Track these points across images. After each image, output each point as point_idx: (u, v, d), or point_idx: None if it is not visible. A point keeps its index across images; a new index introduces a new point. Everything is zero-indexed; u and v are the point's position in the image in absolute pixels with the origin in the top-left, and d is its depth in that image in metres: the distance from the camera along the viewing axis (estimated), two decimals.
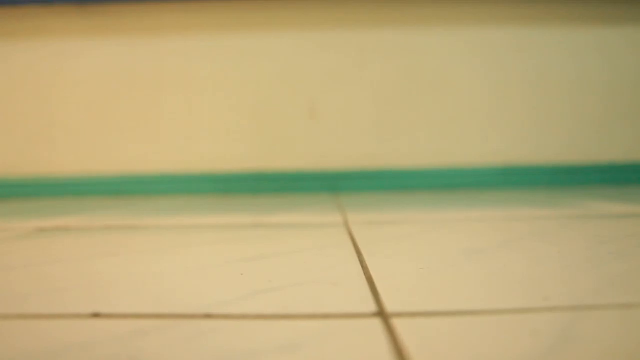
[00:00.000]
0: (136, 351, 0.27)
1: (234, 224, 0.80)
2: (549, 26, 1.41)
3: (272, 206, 1.05)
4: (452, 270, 0.45)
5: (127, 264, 0.51)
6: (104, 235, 0.71)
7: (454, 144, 1.43)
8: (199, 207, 1.08)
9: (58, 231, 0.75)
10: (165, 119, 1.43)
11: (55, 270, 0.48)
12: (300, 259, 0.51)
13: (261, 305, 0.35)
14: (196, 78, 1.43)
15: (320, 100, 1.43)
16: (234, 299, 0.37)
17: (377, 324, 0.31)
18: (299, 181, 1.42)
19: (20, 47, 1.42)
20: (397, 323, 0.31)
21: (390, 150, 1.43)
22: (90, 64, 1.42)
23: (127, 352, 0.27)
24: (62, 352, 0.27)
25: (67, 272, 0.48)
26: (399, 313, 0.33)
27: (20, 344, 0.29)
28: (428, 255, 0.52)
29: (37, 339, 0.30)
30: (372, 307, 0.35)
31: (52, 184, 1.42)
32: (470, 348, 0.27)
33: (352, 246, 0.57)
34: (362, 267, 0.47)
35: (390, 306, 0.34)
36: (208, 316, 0.33)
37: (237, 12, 1.41)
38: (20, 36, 1.41)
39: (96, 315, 0.34)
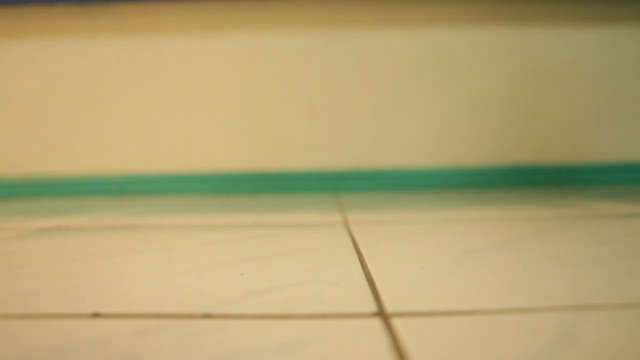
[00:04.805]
0: (136, 351, 0.27)
1: (234, 224, 0.80)
2: (549, 26, 1.41)
3: (272, 206, 1.05)
4: (452, 270, 0.45)
5: (127, 264, 0.51)
6: (104, 235, 0.71)
7: (454, 144, 1.43)
8: (199, 207, 1.08)
9: (58, 231, 0.75)
10: (165, 118, 1.43)
11: (55, 270, 0.48)
12: (300, 259, 0.51)
13: (261, 305, 0.35)
14: (196, 78, 1.43)
15: (320, 100, 1.43)
16: (234, 299, 0.37)
17: (377, 323, 0.31)
18: (299, 181, 1.42)
19: (20, 47, 1.42)
20: (397, 323, 0.31)
21: (390, 150, 1.43)
22: (90, 64, 1.42)
23: (127, 352, 0.27)
24: (62, 352, 0.27)
25: (68, 271, 0.48)
26: (399, 313, 0.33)
27: (20, 344, 0.29)
28: (428, 255, 0.52)
29: (37, 339, 0.30)
30: (372, 307, 0.35)
31: (52, 184, 1.42)
32: (471, 348, 0.27)
33: (352, 246, 0.57)
34: (362, 267, 0.47)
35: (390, 306, 0.34)
36: (208, 316, 0.33)
37: (237, 12, 1.41)
38: (20, 36, 1.41)
39: (96, 315, 0.34)
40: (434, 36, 1.41)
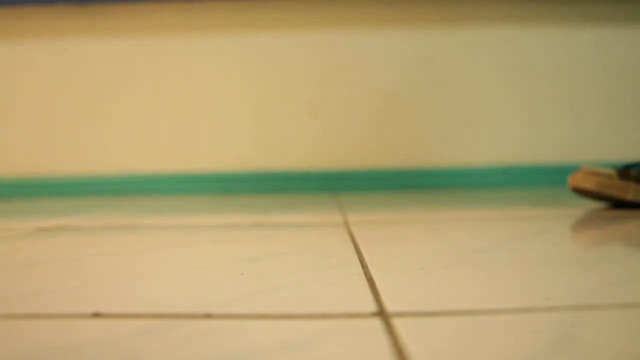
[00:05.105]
0: (136, 351, 0.27)
1: (234, 224, 0.80)
2: (550, 26, 1.41)
3: (272, 206, 1.05)
4: (452, 270, 0.45)
5: (127, 264, 0.51)
6: (104, 235, 0.71)
7: (454, 143, 1.43)
8: (199, 207, 1.08)
9: (58, 231, 0.75)
10: (165, 118, 1.43)
11: (55, 270, 0.48)
12: (300, 259, 0.51)
13: (261, 305, 0.35)
14: (196, 78, 1.43)
15: (320, 100, 1.42)
16: (234, 299, 0.37)
17: (377, 323, 0.31)
18: (299, 181, 1.42)
19: (20, 47, 1.42)
20: (397, 323, 0.31)
21: (390, 150, 1.43)
22: (90, 64, 1.42)
23: (127, 352, 0.27)
24: (62, 352, 0.27)
25: (67, 271, 0.48)
26: (399, 313, 0.33)
27: (20, 344, 0.29)
28: (428, 255, 0.52)
29: (37, 339, 0.30)
30: (372, 307, 0.35)
31: (52, 184, 1.42)
32: (471, 348, 0.27)
33: (352, 246, 0.57)
34: (362, 267, 0.47)
35: (390, 306, 0.34)
36: (208, 316, 0.33)
37: (237, 12, 1.41)
38: (20, 36, 1.41)
39: (96, 315, 0.34)
40: (436, 36, 1.41)
